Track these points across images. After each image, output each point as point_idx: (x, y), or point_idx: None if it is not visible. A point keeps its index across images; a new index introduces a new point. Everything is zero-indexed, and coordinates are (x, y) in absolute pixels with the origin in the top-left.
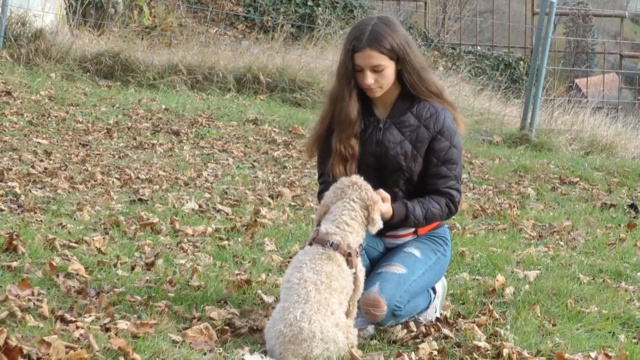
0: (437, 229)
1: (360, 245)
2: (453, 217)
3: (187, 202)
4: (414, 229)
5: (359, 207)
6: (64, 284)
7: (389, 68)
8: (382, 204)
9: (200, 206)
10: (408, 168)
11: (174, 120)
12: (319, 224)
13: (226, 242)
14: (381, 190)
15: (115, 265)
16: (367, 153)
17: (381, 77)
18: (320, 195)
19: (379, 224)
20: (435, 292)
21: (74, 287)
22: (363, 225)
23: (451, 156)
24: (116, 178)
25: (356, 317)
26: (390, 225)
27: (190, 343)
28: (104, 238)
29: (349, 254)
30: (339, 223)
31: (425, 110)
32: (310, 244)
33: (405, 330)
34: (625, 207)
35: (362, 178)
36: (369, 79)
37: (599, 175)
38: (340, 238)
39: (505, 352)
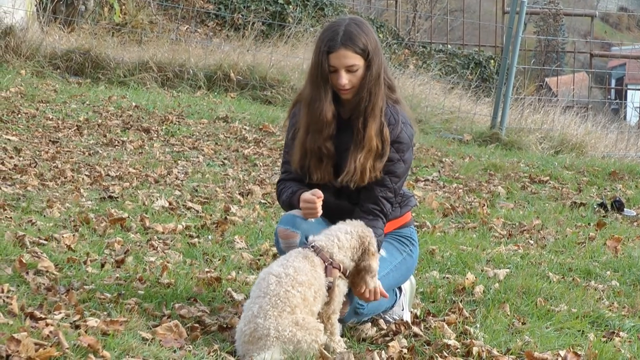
0: (403, 228)
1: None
2: (423, 215)
3: (157, 199)
4: None
5: (357, 236)
6: (34, 281)
7: (362, 69)
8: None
9: (170, 203)
10: None
11: (144, 118)
12: None
13: (196, 239)
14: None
15: (85, 263)
16: None
17: (354, 78)
18: (279, 184)
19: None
20: (400, 290)
21: (44, 284)
22: (354, 254)
23: (396, 169)
24: (86, 175)
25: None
26: None
27: (160, 340)
28: (73, 235)
29: (331, 264)
30: (330, 236)
31: (389, 116)
32: None
33: (375, 329)
34: (595, 206)
35: None
36: (344, 79)
37: (568, 174)
38: (324, 244)
39: (474, 350)
